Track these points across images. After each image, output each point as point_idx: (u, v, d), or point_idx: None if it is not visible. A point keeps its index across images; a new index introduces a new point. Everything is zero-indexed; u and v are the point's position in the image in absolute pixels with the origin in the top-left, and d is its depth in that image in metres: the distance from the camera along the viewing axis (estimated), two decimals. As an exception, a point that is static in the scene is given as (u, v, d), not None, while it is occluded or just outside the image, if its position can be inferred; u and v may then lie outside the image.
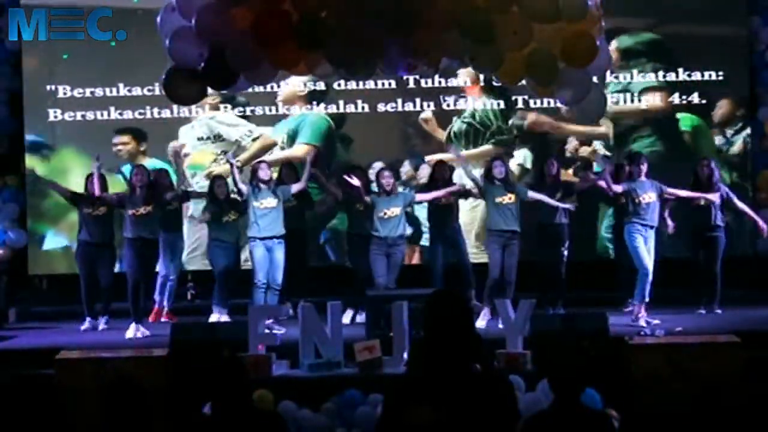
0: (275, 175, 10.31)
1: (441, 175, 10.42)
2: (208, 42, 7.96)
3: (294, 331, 8.77)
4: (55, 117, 11.75)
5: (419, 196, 10.28)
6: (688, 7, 11.85)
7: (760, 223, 10.26)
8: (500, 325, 8.80)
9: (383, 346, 8.21)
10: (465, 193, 10.38)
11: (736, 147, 11.73)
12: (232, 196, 10.24)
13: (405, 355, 8.13)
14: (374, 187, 10.28)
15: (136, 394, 4.69)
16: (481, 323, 9.56)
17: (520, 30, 7.85)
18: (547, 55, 8.03)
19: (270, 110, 11.75)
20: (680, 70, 11.81)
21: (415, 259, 11.55)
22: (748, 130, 11.71)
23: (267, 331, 8.79)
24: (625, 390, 7.78)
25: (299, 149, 11.61)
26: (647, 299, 9.70)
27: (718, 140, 11.78)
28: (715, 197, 10.11)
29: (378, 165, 10.89)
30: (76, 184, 10.67)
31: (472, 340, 3.95)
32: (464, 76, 11.56)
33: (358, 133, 11.81)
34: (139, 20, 10.93)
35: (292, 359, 8.40)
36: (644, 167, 9.93)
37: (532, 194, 10.04)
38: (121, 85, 11.72)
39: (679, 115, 11.82)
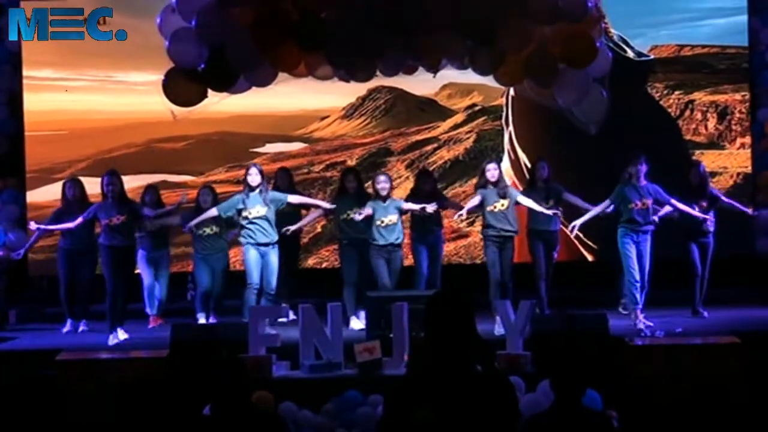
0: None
1: (425, 185, 10.36)
2: (208, 43, 7.98)
3: (294, 332, 8.77)
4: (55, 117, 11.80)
5: (404, 206, 10.08)
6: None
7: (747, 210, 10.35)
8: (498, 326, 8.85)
9: (383, 346, 8.21)
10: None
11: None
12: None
13: (405, 356, 8.13)
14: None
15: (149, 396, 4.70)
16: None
17: (521, 32, 7.87)
18: (547, 55, 8.04)
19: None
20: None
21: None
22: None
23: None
24: (625, 390, 7.78)
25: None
26: (640, 305, 9.66)
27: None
28: (705, 205, 10.07)
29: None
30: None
31: (474, 340, 3.95)
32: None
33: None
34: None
35: (293, 360, 8.40)
36: (643, 168, 9.85)
37: (522, 199, 9.96)
38: (122, 87, 11.78)
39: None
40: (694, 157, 11.66)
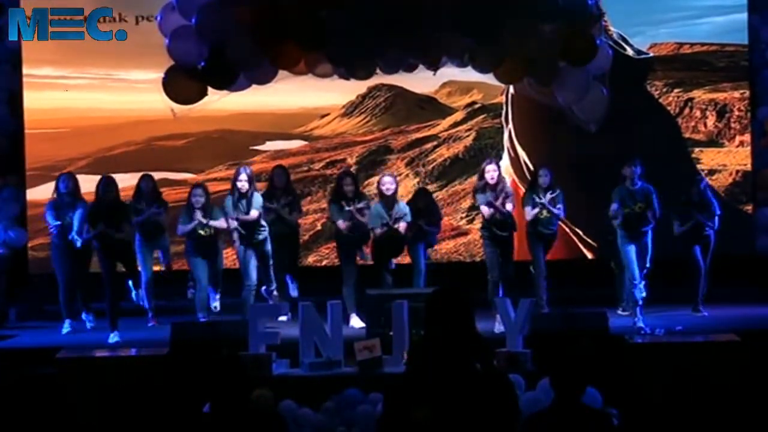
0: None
1: (419, 203, 10.30)
2: (208, 41, 7.98)
3: (294, 330, 8.77)
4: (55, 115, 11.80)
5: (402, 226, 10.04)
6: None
7: None
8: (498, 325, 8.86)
9: (383, 345, 8.21)
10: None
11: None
12: None
13: (405, 354, 8.13)
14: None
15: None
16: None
17: (521, 30, 7.87)
18: (547, 53, 8.04)
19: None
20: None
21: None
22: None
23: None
24: (625, 388, 7.78)
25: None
26: (639, 302, 9.69)
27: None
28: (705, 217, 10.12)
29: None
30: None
31: (473, 339, 3.95)
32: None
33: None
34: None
35: (293, 358, 8.40)
36: (638, 170, 9.90)
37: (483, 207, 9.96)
38: (123, 84, 11.78)
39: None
40: (695, 160, 11.69)
